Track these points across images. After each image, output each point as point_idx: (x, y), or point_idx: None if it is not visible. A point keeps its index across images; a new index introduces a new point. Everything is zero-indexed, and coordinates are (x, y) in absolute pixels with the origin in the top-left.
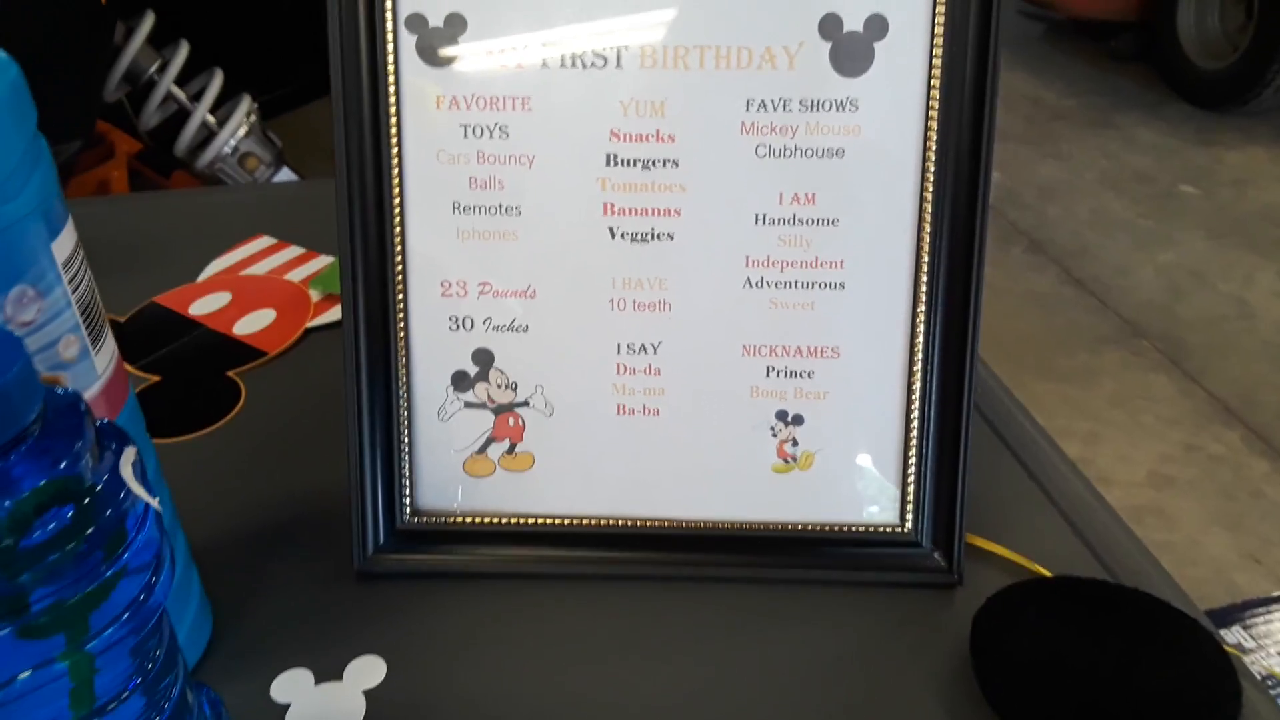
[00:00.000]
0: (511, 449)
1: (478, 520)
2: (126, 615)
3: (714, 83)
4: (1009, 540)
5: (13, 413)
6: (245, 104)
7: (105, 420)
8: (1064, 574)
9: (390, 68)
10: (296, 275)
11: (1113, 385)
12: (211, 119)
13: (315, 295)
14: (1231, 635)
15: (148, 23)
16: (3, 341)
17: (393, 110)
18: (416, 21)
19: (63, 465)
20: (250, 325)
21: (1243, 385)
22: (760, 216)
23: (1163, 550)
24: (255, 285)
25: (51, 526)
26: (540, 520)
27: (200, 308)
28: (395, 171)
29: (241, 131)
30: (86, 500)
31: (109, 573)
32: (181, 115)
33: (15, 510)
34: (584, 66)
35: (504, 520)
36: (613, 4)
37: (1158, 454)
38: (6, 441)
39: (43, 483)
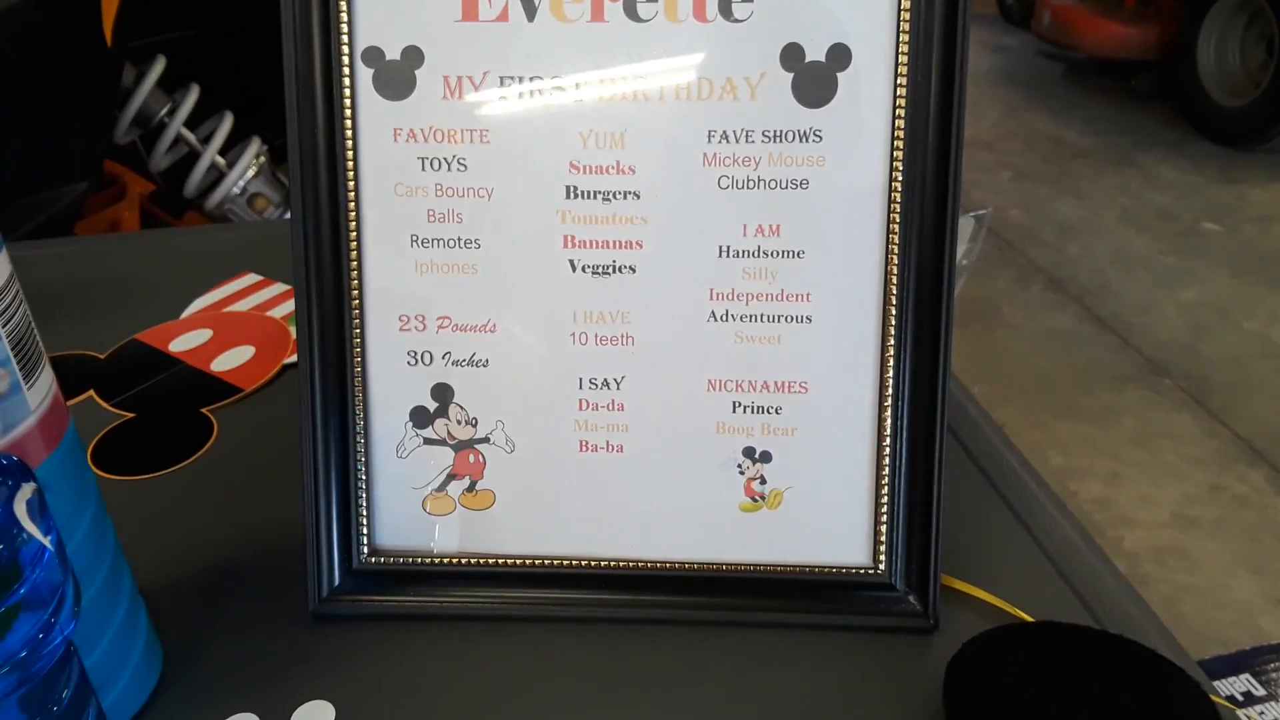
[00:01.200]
0: (472, 487)
1: (437, 560)
2: (25, 653)
3: (674, 114)
4: (990, 583)
5: None
6: (254, 146)
7: (8, 457)
8: (1046, 619)
9: (347, 100)
10: (279, 312)
11: (1134, 424)
12: (221, 161)
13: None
14: (1240, 683)
15: (158, 66)
16: None
17: (349, 143)
18: (373, 54)
19: None
20: (228, 362)
21: (1268, 425)
22: (724, 249)
23: (1186, 593)
24: (236, 322)
25: None
26: (501, 560)
27: (180, 344)
28: (352, 204)
29: (250, 173)
30: None
31: (1, 609)
32: (192, 157)
33: None
34: (543, 98)
35: (464, 560)
36: (571, 35)
37: (1181, 494)
38: None
39: None
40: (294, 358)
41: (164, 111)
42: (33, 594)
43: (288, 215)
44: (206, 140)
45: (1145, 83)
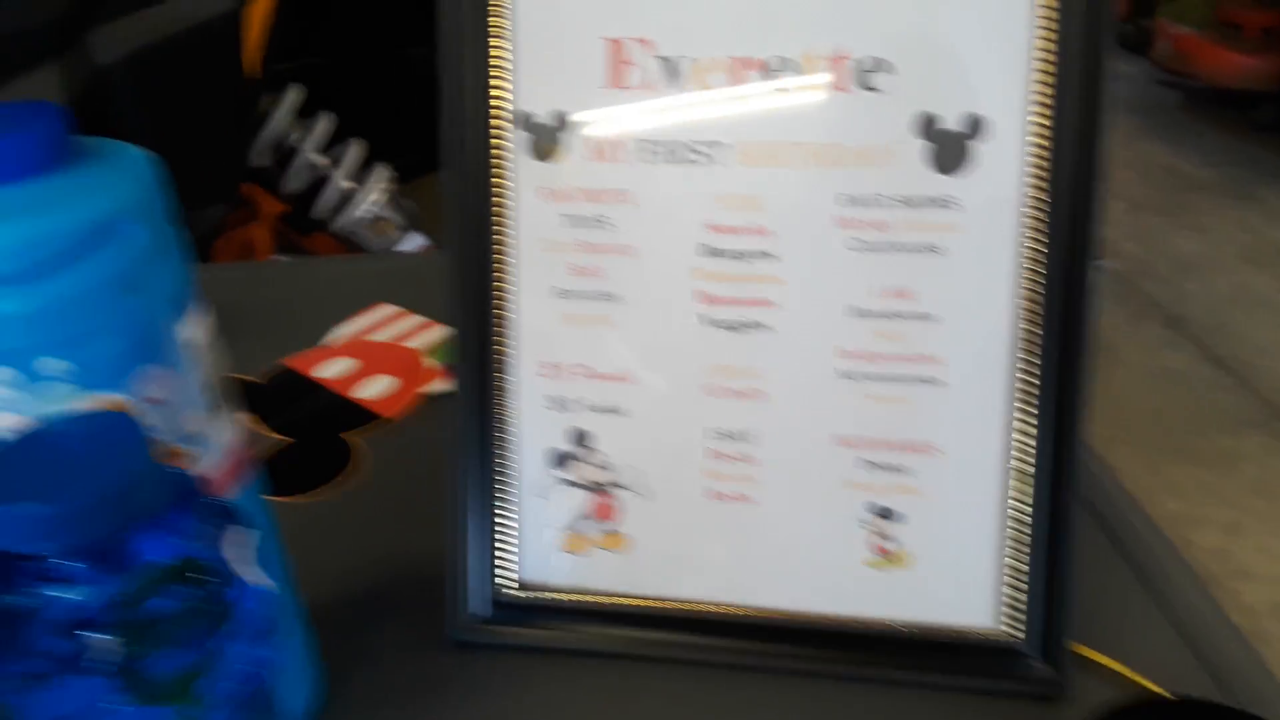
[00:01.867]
0: (607, 529)
1: (572, 597)
2: (233, 687)
3: (810, 178)
4: (1112, 648)
5: (140, 498)
6: (381, 172)
7: (219, 499)
8: (1176, 691)
9: (499, 161)
10: (416, 343)
11: (1255, 471)
12: (350, 185)
13: (433, 363)
14: None
15: (293, 95)
16: (128, 429)
17: (500, 200)
18: (525, 118)
19: (180, 544)
20: (370, 390)
21: None
22: (855, 310)
23: None
24: (377, 351)
25: (166, 601)
26: (633, 601)
27: (325, 371)
28: (501, 259)
29: (376, 197)
30: (198, 576)
31: (216, 646)
32: (322, 180)
33: (137, 589)
34: (683, 161)
35: (598, 599)
36: (711, 101)
37: None
38: (131, 523)
39: (161, 561)
40: (432, 387)
41: (297, 137)
42: (243, 631)
43: (410, 240)
44: (336, 165)
45: (1266, 114)
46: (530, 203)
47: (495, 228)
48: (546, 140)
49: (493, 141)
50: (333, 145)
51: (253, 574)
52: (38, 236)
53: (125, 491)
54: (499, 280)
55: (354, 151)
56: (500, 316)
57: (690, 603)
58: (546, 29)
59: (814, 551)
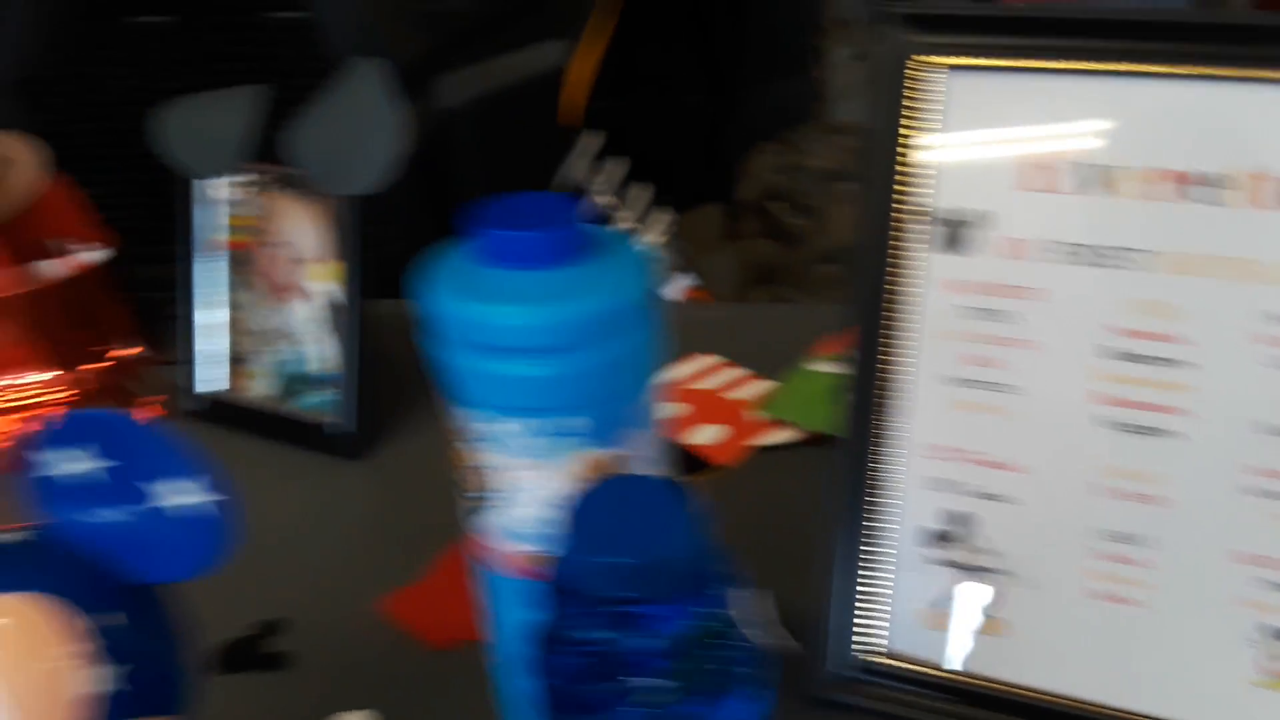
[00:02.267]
0: (983, 612)
1: (939, 673)
2: None
3: (1229, 291)
4: None
5: (684, 559)
6: (662, 215)
7: (727, 561)
8: None
9: (908, 251)
10: (740, 395)
11: None
12: (632, 225)
13: (762, 416)
14: None
15: (589, 140)
16: (675, 494)
17: (905, 288)
18: (941, 214)
19: (708, 604)
20: (701, 436)
21: None
22: (1269, 427)
23: None
24: (704, 399)
25: (700, 656)
26: (1001, 687)
27: None
28: (899, 342)
29: (654, 238)
30: (722, 636)
31: (729, 700)
32: (605, 219)
33: (680, 641)
34: (1095, 265)
35: (965, 679)
36: (1128, 208)
37: None
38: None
39: (697, 617)
40: (763, 441)
41: (588, 179)
42: (739, 683)
43: (681, 280)
44: (621, 204)
45: None
46: (935, 292)
47: (897, 313)
48: (959, 235)
49: (904, 231)
50: (620, 188)
51: (752, 633)
52: (569, 318)
53: (677, 552)
54: (894, 362)
55: (637, 193)
56: (890, 395)
57: (1061, 698)
58: (970, 131)
59: (1197, 663)
